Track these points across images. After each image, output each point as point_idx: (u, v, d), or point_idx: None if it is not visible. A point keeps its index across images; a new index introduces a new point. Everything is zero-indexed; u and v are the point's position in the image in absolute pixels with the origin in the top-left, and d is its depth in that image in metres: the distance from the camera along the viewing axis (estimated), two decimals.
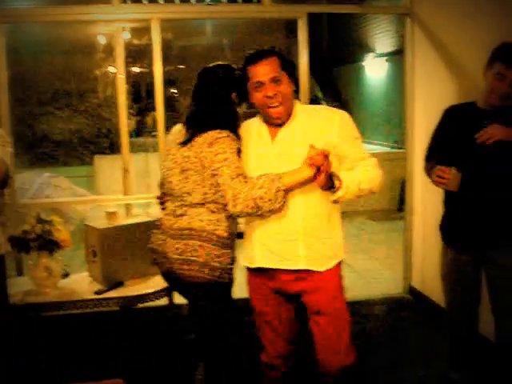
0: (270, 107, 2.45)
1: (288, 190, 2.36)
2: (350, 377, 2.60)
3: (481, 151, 2.74)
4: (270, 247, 2.53)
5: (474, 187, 2.82)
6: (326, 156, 2.25)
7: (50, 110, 9.39)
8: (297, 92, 2.66)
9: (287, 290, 2.61)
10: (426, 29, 4.40)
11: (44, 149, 9.31)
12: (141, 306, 3.61)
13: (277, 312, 2.70)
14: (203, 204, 2.54)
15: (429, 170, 3.02)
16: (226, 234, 2.56)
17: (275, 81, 2.41)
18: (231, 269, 2.59)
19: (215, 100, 2.59)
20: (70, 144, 9.43)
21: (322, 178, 2.28)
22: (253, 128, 2.60)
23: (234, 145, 2.46)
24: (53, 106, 9.45)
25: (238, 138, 2.54)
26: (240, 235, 2.70)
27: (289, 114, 2.49)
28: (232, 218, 2.56)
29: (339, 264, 2.61)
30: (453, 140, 2.90)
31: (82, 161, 9.28)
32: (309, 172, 2.30)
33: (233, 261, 2.60)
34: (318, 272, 2.52)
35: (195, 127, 2.55)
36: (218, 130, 2.46)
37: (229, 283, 2.62)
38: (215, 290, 2.58)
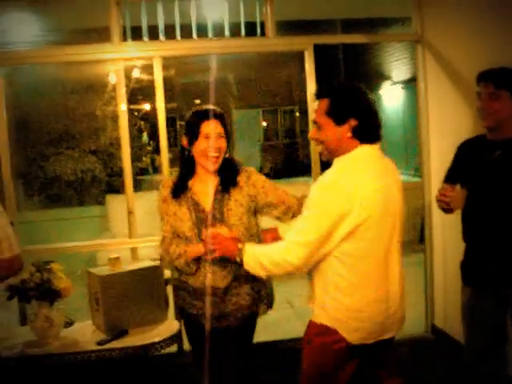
0: None
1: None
2: None
3: (490, 182, 2.70)
4: None
5: (487, 217, 2.73)
6: (214, 237, 2.55)
7: (60, 151, 9.37)
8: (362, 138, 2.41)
9: None
10: (438, 55, 4.28)
11: (56, 189, 9.27)
12: None
13: None
14: None
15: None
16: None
17: (317, 126, 2.40)
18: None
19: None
20: (82, 184, 9.39)
21: (215, 255, 2.59)
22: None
23: (161, 195, 2.93)
24: (63, 146, 9.45)
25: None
26: None
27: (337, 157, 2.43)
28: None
29: (320, 326, 2.47)
30: (464, 174, 2.83)
31: (94, 201, 9.22)
32: (201, 250, 2.74)
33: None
34: None
35: None
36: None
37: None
38: None
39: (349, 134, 2.32)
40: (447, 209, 2.84)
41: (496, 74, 2.75)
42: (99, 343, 3.37)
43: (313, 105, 2.44)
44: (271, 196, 2.84)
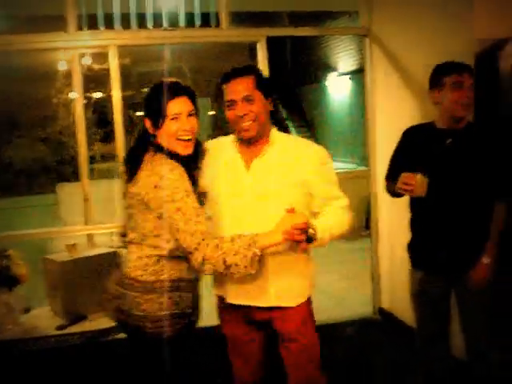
0: (242, 125, 2.39)
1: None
2: None
3: (442, 170, 2.77)
4: (242, 285, 2.46)
5: (440, 205, 2.81)
6: (303, 222, 2.18)
7: (10, 139, 9.23)
8: (274, 114, 2.57)
9: (257, 319, 2.58)
10: (385, 48, 4.43)
11: (6, 178, 9.13)
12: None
13: (248, 339, 2.66)
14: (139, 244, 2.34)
15: (390, 186, 3.02)
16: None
17: (247, 100, 2.37)
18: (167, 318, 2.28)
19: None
20: (32, 172, 9.26)
21: (302, 245, 2.23)
22: (225, 148, 2.53)
23: (186, 184, 2.21)
24: (14, 134, 9.30)
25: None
26: None
27: (262, 135, 2.44)
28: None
29: (309, 297, 2.61)
30: (412, 161, 2.88)
31: (45, 189, 9.11)
32: (280, 238, 2.19)
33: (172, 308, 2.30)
34: (289, 307, 2.51)
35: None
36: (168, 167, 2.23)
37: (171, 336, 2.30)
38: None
39: (271, 109, 2.47)
40: (398, 194, 2.88)
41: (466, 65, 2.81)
42: (58, 328, 3.43)
43: (241, 83, 2.38)
44: None
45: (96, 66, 8.30)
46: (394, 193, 2.96)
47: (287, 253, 2.41)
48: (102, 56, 5.04)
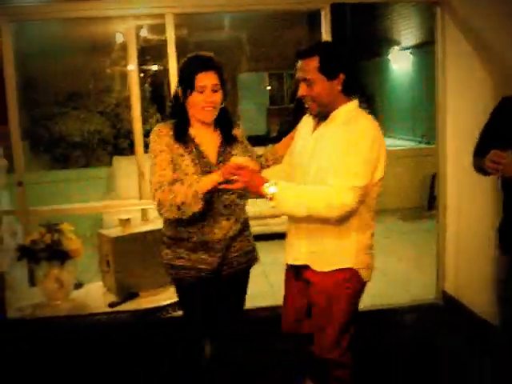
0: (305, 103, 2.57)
1: (205, 193, 2.44)
2: (331, 370, 2.68)
3: None
4: (287, 242, 2.75)
5: None
6: (239, 169, 2.36)
7: (66, 111, 9.25)
8: (350, 90, 2.57)
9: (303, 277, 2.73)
10: (459, 18, 4.12)
11: (62, 150, 9.17)
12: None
13: (300, 295, 2.79)
14: None
15: (477, 162, 2.76)
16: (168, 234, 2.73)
17: (308, 83, 2.48)
18: (174, 266, 2.71)
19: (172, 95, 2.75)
20: (88, 145, 9.27)
21: (235, 186, 2.40)
22: (310, 118, 2.70)
23: (161, 143, 2.55)
24: (70, 106, 9.31)
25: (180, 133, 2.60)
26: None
27: (328, 111, 2.54)
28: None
29: (348, 270, 2.59)
30: (505, 137, 2.60)
31: (101, 162, 9.12)
32: (217, 178, 2.42)
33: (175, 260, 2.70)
34: (320, 271, 2.60)
35: None
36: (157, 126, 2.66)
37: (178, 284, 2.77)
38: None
39: (339, 88, 2.50)
40: (487, 171, 2.61)
41: None
42: (110, 305, 3.35)
43: (304, 64, 2.48)
44: (252, 150, 2.88)
45: (152, 37, 8.20)
46: (481, 169, 2.71)
47: (325, 221, 2.48)
48: (159, 27, 4.89)
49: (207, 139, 2.65)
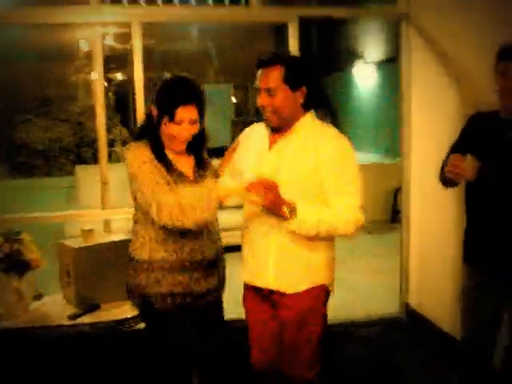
0: (264, 114, 2.48)
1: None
2: None
3: (504, 163, 2.54)
4: (252, 264, 2.60)
5: (498, 200, 2.60)
6: (269, 187, 2.28)
7: (29, 118, 9.10)
8: (311, 101, 2.51)
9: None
10: (423, 33, 4.19)
11: (23, 158, 9.01)
12: None
13: (267, 317, 2.68)
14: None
15: (442, 174, 2.77)
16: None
17: (270, 92, 2.40)
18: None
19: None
20: (50, 153, 9.13)
21: (259, 203, 2.31)
22: (259, 130, 2.61)
23: (142, 156, 2.42)
24: (32, 113, 9.17)
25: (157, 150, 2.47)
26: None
27: (287, 124, 2.47)
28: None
29: (319, 287, 2.55)
30: (473, 150, 2.61)
31: (64, 171, 8.98)
32: (241, 189, 2.32)
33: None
34: (291, 293, 2.52)
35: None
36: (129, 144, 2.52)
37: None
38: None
39: (301, 100, 2.44)
40: (452, 182, 2.68)
41: None
42: (70, 317, 3.27)
43: (267, 73, 2.41)
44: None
45: (118, 46, 8.13)
46: (446, 181, 2.76)
47: (293, 238, 2.43)
48: (124, 36, 4.86)
49: (183, 161, 2.55)
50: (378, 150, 12.85)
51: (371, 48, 13.17)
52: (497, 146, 2.58)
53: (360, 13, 4.82)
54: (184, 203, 2.27)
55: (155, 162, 2.43)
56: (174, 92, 2.42)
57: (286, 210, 2.30)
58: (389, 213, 8.20)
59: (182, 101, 2.39)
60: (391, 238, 6.08)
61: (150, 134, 2.49)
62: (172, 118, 2.39)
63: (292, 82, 2.39)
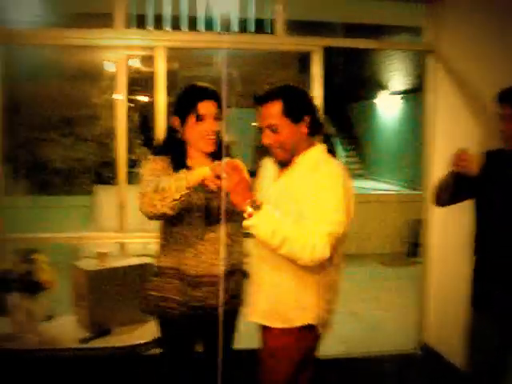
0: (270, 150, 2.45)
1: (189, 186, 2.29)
2: None
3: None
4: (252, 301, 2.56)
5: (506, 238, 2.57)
6: (234, 168, 2.19)
7: (52, 137, 9.20)
8: (314, 133, 2.46)
9: None
10: (451, 68, 4.15)
11: (44, 176, 9.09)
12: None
13: None
14: None
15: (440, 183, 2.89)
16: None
17: (273, 129, 2.37)
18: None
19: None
20: (71, 172, 9.21)
21: (222, 185, 2.19)
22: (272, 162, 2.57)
23: (152, 167, 2.50)
24: (56, 132, 9.27)
25: (177, 163, 2.52)
26: None
27: (293, 156, 2.43)
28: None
29: (306, 327, 2.43)
30: (481, 187, 2.67)
31: (83, 190, 9.03)
32: (207, 172, 2.24)
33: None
34: (276, 328, 2.45)
35: None
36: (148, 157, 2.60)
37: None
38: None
39: (306, 131, 2.39)
40: (445, 198, 2.80)
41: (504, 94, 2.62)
42: (82, 341, 3.23)
43: (266, 110, 2.36)
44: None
45: (143, 69, 8.19)
46: (440, 198, 2.88)
47: (282, 276, 2.39)
48: (149, 59, 4.88)
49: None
50: (399, 179, 12.78)
51: (395, 78, 13.17)
52: (504, 182, 2.58)
53: (385, 45, 4.82)
54: (161, 186, 2.28)
55: (170, 171, 2.47)
56: (192, 91, 2.56)
57: (248, 204, 2.18)
58: (407, 245, 8.10)
59: (202, 96, 2.51)
60: (410, 271, 5.99)
61: (172, 147, 2.57)
62: (196, 113, 2.48)
63: (293, 114, 2.35)
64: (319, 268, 2.32)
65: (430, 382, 4.05)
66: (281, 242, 2.19)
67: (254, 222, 2.19)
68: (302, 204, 2.29)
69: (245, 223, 2.23)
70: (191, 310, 2.58)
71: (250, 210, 2.18)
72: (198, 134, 2.52)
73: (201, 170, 2.28)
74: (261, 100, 2.38)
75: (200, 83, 2.59)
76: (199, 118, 2.49)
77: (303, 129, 2.38)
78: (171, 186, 2.26)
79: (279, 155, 2.42)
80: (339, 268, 2.47)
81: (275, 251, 2.25)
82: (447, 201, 2.84)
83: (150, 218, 2.39)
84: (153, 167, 2.50)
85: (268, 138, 2.38)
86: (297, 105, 2.37)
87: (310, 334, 2.45)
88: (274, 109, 2.34)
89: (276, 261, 2.35)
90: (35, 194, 8.81)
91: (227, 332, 2.63)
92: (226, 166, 2.18)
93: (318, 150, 2.44)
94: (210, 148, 2.55)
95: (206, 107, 2.49)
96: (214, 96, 2.53)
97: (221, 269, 2.47)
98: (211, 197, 2.51)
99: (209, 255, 2.54)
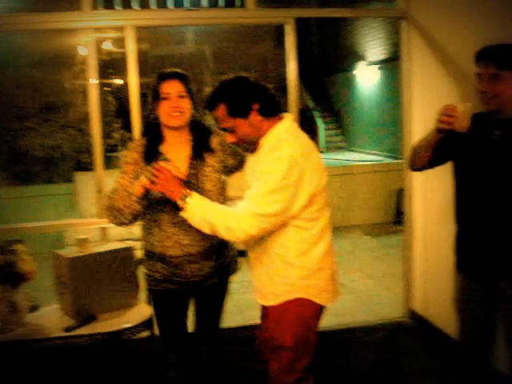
0: None
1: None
2: None
3: (488, 163, 2.50)
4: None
5: (485, 204, 2.53)
6: (159, 171, 2.42)
7: (28, 125, 9.07)
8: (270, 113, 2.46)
9: None
10: (424, 32, 4.11)
11: (23, 166, 8.99)
12: None
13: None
14: None
15: (419, 144, 2.78)
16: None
17: (229, 130, 2.44)
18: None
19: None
20: (50, 160, 9.11)
21: (154, 188, 2.45)
22: None
23: (130, 156, 2.74)
24: (31, 120, 9.14)
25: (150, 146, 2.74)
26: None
27: (257, 144, 2.47)
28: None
29: (296, 301, 2.49)
30: (460, 151, 2.61)
31: (63, 178, 8.95)
32: (144, 180, 2.49)
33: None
34: (269, 306, 2.56)
35: None
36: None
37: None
38: None
39: (259, 118, 2.40)
40: (422, 164, 2.73)
41: (498, 52, 2.45)
42: (66, 330, 3.19)
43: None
44: (235, 158, 2.86)
45: (116, 51, 8.07)
46: (415, 162, 2.79)
47: (270, 258, 2.48)
48: (121, 41, 4.80)
49: (179, 152, 2.73)
50: (381, 149, 12.78)
51: (372, 48, 13.11)
52: (484, 146, 2.52)
53: (357, 12, 4.73)
54: (115, 206, 2.63)
55: (142, 163, 2.70)
56: (157, 76, 2.73)
57: (180, 197, 2.39)
58: (393, 214, 8.12)
59: (164, 77, 2.70)
60: (397, 239, 5.99)
61: (149, 131, 2.80)
62: (159, 96, 2.68)
63: (239, 111, 2.39)
64: (290, 238, 2.42)
65: (420, 347, 4.07)
66: (210, 228, 2.37)
67: (187, 215, 2.41)
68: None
69: (181, 214, 2.43)
70: (181, 285, 2.80)
71: (181, 203, 2.39)
72: (163, 111, 2.68)
73: (139, 180, 2.53)
74: (207, 108, 2.46)
75: (167, 70, 2.75)
76: (163, 97, 2.67)
77: (256, 117, 2.40)
78: (125, 203, 2.59)
79: (247, 148, 2.52)
80: (325, 240, 2.50)
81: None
82: (426, 163, 2.77)
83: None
84: (125, 169, 2.71)
85: (230, 138, 2.46)
86: (239, 101, 2.39)
87: (304, 305, 2.49)
88: (221, 113, 2.40)
89: (262, 246, 2.48)
90: (16, 185, 8.72)
91: (216, 300, 2.99)
92: (154, 170, 2.42)
93: (283, 128, 2.44)
94: (175, 123, 2.69)
95: (168, 86, 2.67)
96: (175, 75, 2.70)
97: (195, 249, 2.74)
98: None
99: (181, 237, 2.72)
